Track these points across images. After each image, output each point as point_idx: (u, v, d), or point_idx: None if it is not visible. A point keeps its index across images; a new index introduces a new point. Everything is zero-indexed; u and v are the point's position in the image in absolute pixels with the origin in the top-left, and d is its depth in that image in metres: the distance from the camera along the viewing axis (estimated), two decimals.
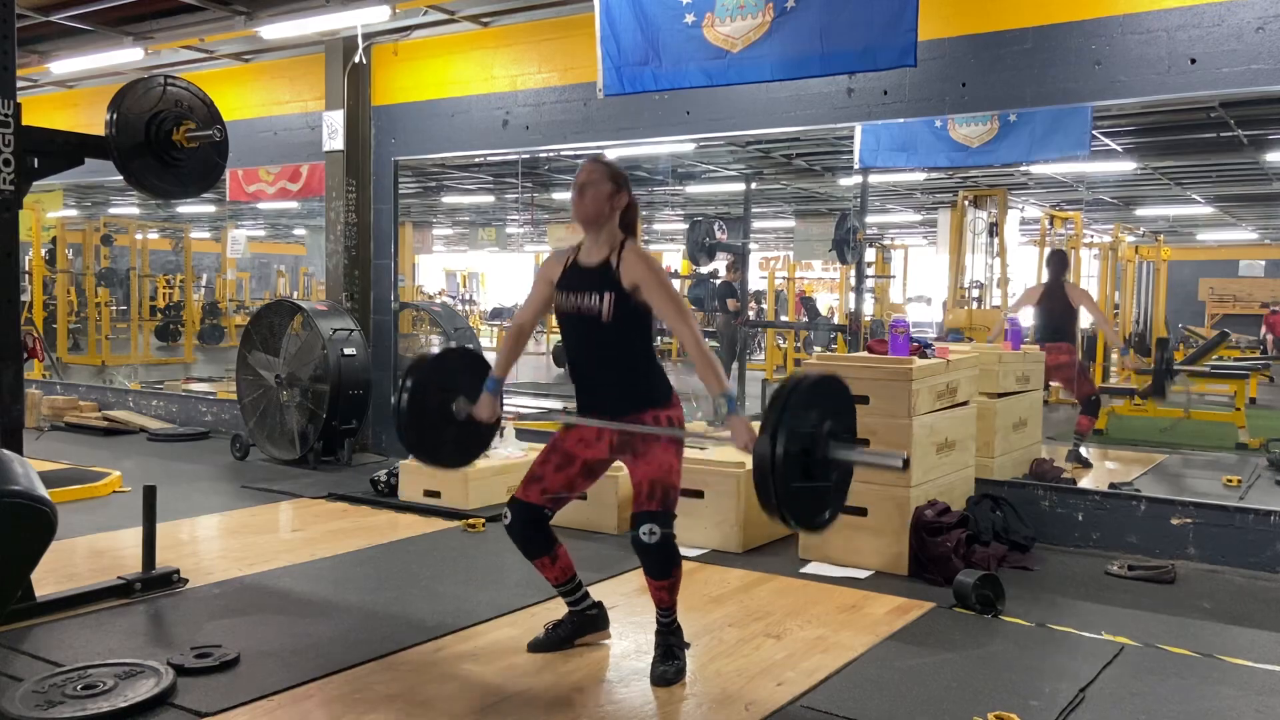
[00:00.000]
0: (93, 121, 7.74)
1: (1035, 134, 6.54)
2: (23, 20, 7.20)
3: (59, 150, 4.25)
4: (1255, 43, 4.74)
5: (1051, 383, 7.72)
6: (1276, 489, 6.28)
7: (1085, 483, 6.20)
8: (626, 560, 4.71)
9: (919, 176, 10.49)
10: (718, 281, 11.08)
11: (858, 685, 3.36)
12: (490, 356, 3.72)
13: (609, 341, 3.32)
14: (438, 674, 3.40)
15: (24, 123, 3.96)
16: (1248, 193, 12.77)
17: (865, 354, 5.13)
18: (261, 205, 11.47)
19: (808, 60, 5.24)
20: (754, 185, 11.51)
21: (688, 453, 5.43)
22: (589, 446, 3.42)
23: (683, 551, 4.19)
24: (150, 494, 4.22)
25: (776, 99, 5.96)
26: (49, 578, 4.15)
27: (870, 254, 10.72)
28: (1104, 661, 3.59)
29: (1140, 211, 13.94)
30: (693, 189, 12.18)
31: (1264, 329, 16.76)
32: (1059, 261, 7.51)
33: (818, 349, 12.21)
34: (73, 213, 15.35)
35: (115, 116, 4.27)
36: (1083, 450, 7.20)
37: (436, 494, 5.84)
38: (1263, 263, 17.90)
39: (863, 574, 4.67)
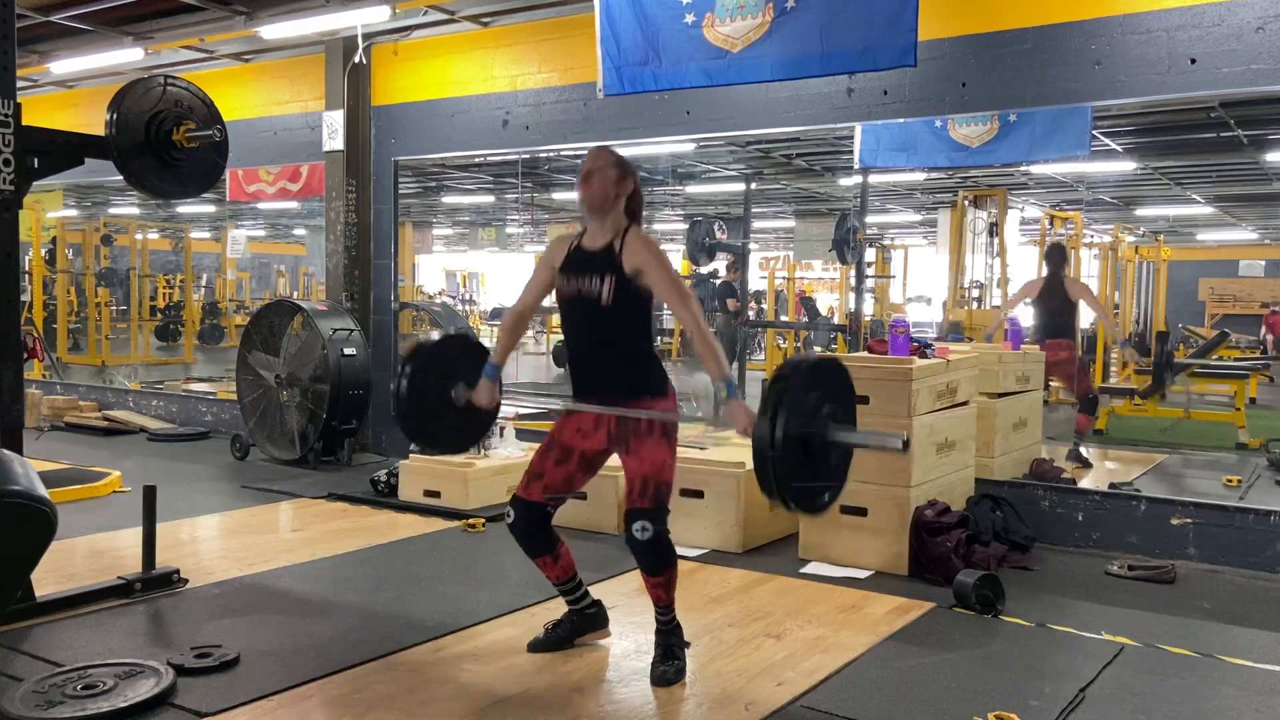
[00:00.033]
0: (93, 121, 7.73)
1: (1035, 134, 6.54)
2: (23, 20, 7.20)
3: (59, 150, 4.25)
4: (1255, 43, 4.74)
5: (1051, 382, 7.72)
6: (1276, 489, 6.28)
7: (1085, 483, 6.20)
8: (626, 560, 4.71)
9: (919, 176, 10.49)
10: (718, 281, 11.08)
11: (858, 685, 3.36)
12: None
13: (608, 326, 3.33)
14: (438, 674, 3.40)
15: (24, 123, 3.96)
16: (1248, 193, 12.76)
17: (865, 354, 5.13)
18: (261, 205, 11.46)
19: (808, 60, 5.24)
20: (754, 185, 11.52)
21: (688, 453, 5.46)
22: (586, 437, 3.42)
23: (683, 551, 4.19)
24: (150, 494, 4.22)
25: (776, 99, 5.96)
26: (49, 578, 4.15)
27: (870, 254, 10.71)
28: (1104, 661, 3.59)
29: (1140, 211, 13.93)
30: (693, 189, 12.18)
31: (1264, 329, 16.75)
32: (1058, 256, 7.47)
33: (818, 349, 12.21)
34: (73, 213, 15.34)
35: (115, 116, 4.27)
36: (1082, 450, 7.20)
37: (436, 494, 5.84)
38: (1263, 263, 17.89)
39: (863, 574, 4.67)
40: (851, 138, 7.31)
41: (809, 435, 2.88)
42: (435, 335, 4.85)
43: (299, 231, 18.89)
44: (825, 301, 17.06)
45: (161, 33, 7.67)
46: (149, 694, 3.05)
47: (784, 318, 14.25)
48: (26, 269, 12.14)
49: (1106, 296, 11.09)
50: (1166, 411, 8.69)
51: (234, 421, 8.09)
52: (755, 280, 14.05)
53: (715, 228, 9.77)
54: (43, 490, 2.83)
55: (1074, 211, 10.98)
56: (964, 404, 5.27)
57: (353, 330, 7.24)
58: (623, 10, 5.70)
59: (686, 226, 10.42)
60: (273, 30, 7.09)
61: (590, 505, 5.31)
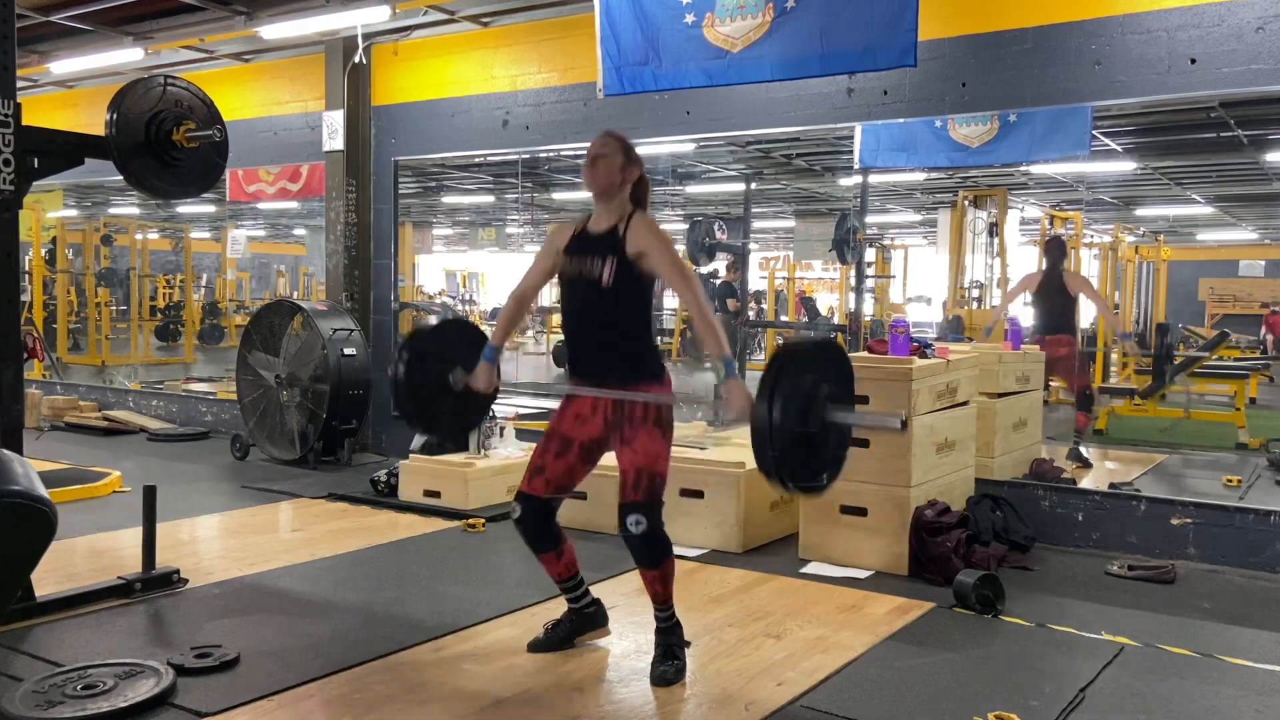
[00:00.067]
0: (93, 121, 7.73)
1: (1035, 134, 6.54)
2: (23, 20, 7.20)
3: (59, 150, 4.25)
4: (1255, 43, 4.74)
5: (1052, 382, 7.71)
6: (1276, 489, 6.28)
7: (1085, 483, 6.20)
8: (626, 560, 4.69)
9: (919, 176, 10.48)
10: (718, 281, 11.07)
11: (858, 685, 3.35)
12: None
13: (607, 309, 3.34)
14: (438, 674, 3.40)
15: (24, 123, 3.96)
16: (1248, 193, 12.76)
17: (865, 354, 5.13)
18: (261, 205, 11.46)
19: (808, 60, 5.24)
20: (754, 185, 11.51)
21: (688, 453, 5.46)
22: (584, 424, 3.42)
23: (683, 551, 4.19)
24: (150, 494, 4.22)
25: (776, 99, 5.96)
26: (49, 578, 4.15)
27: (870, 254, 10.71)
28: (1104, 661, 3.59)
29: (1140, 211, 13.92)
30: (693, 189, 12.18)
31: (1264, 329, 16.75)
32: (1057, 249, 7.43)
33: None
34: (73, 213, 15.34)
35: (115, 116, 4.27)
36: (1082, 449, 7.19)
37: (436, 494, 5.84)
38: (1263, 263, 17.88)
39: (863, 574, 4.67)
40: (851, 138, 7.31)
41: (807, 416, 2.88)
42: (433, 320, 4.87)
43: (299, 231, 18.88)
44: (825, 301, 17.06)
45: (161, 33, 7.67)
46: (149, 694, 3.05)
47: (784, 318, 14.26)
48: (26, 269, 12.14)
49: (1107, 296, 11.08)
50: (1166, 411, 8.68)
51: (234, 421, 8.09)
52: (755, 280, 14.05)
53: (715, 228, 9.76)
54: (43, 490, 2.83)
55: (1074, 211, 10.98)
56: (964, 404, 5.27)
57: (353, 330, 7.24)
58: (623, 10, 5.70)
59: (686, 227, 10.42)
60: (273, 30, 7.09)
61: (590, 505, 5.31)
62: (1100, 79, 5.08)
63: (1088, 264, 11.18)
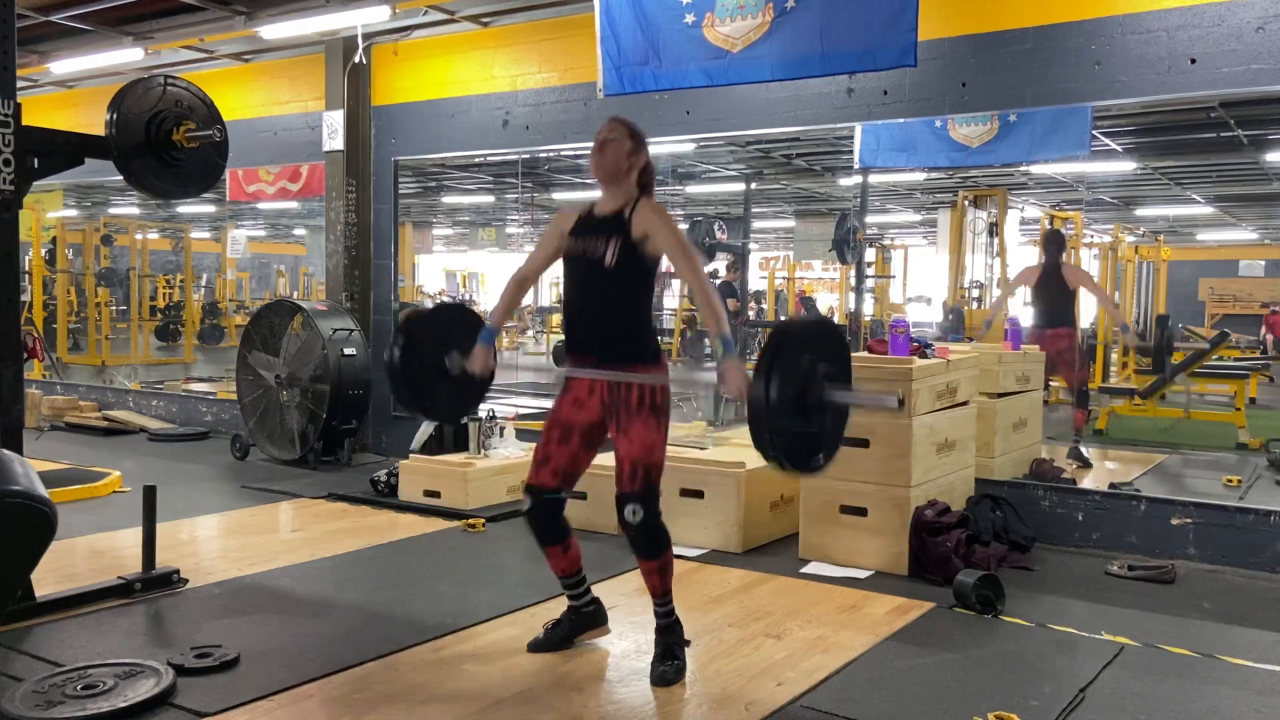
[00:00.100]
0: (93, 121, 7.74)
1: (1035, 134, 6.54)
2: (23, 20, 7.20)
3: (59, 150, 4.25)
4: (1255, 43, 4.74)
5: (1052, 381, 7.70)
6: (1276, 489, 6.28)
7: (1085, 483, 6.20)
8: (626, 560, 4.71)
9: (919, 176, 10.49)
10: (718, 281, 11.08)
11: (858, 685, 3.35)
12: None
13: (608, 290, 3.34)
14: (438, 674, 3.40)
15: (24, 123, 3.96)
16: (1248, 193, 12.76)
17: (865, 354, 5.13)
18: (261, 205, 11.46)
19: (808, 60, 5.25)
20: (754, 185, 11.52)
21: (688, 453, 5.46)
22: (581, 407, 3.43)
23: (683, 551, 4.18)
24: (150, 494, 4.22)
25: (776, 99, 5.96)
26: (49, 578, 4.15)
27: (870, 254, 10.71)
28: (1104, 661, 3.59)
29: (1140, 211, 13.93)
30: (693, 189, 12.18)
31: (1264, 329, 16.75)
32: (1056, 242, 7.41)
33: None
34: (73, 213, 15.34)
35: (115, 116, 4.27)
36: (1082, 448, 7.18)
37: (436, 494, 5.84)
38: (1263, 263, 17.88)
39: (863, 574, 4.67)
40: (851, 138, 7.31)
41: (804, 395, 2.88)
42: (429, 304, 4.88)
43: (299, 231, 18.88)
44: (825, 301, 17.05)
45: (161, 33, 7.68)
46: (149, 694, 3.05)
47: (784, 318, 14.25)
48: (26, 269, 12.14)
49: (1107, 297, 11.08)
50: (1166, 411, 8.69)
51: (234, 421, 8.09)
52: (755, 280, 14.05)
53: (715, 228, 9.77)
54: (43, 490, 2.84)
55: (1074, 211, 10.99)
56: (964, 404, 5.27)
57: (353, 330, 7.24)
58: (623, 10, 5.70)
59: (686, 227, 10.42)
60: (273, 30, 7.10)
61: (590, 505, 5.31)
62: (1100, 79, 5.08)
63: (1088, 264, 11.18)
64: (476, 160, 9.48)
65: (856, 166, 7.72)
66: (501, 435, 6.21)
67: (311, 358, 7.06)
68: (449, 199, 14.71)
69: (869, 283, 10.79)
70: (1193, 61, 4.87)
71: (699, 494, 5.13)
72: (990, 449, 5.69)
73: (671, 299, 13.12)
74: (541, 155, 8.51)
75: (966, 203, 10.10)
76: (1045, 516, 5.29)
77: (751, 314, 12.06)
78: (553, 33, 6.84)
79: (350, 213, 7.70)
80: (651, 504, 3.31)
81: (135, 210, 15.68)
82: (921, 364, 4.83)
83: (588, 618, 3.66)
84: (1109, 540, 5.14)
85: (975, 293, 10.27)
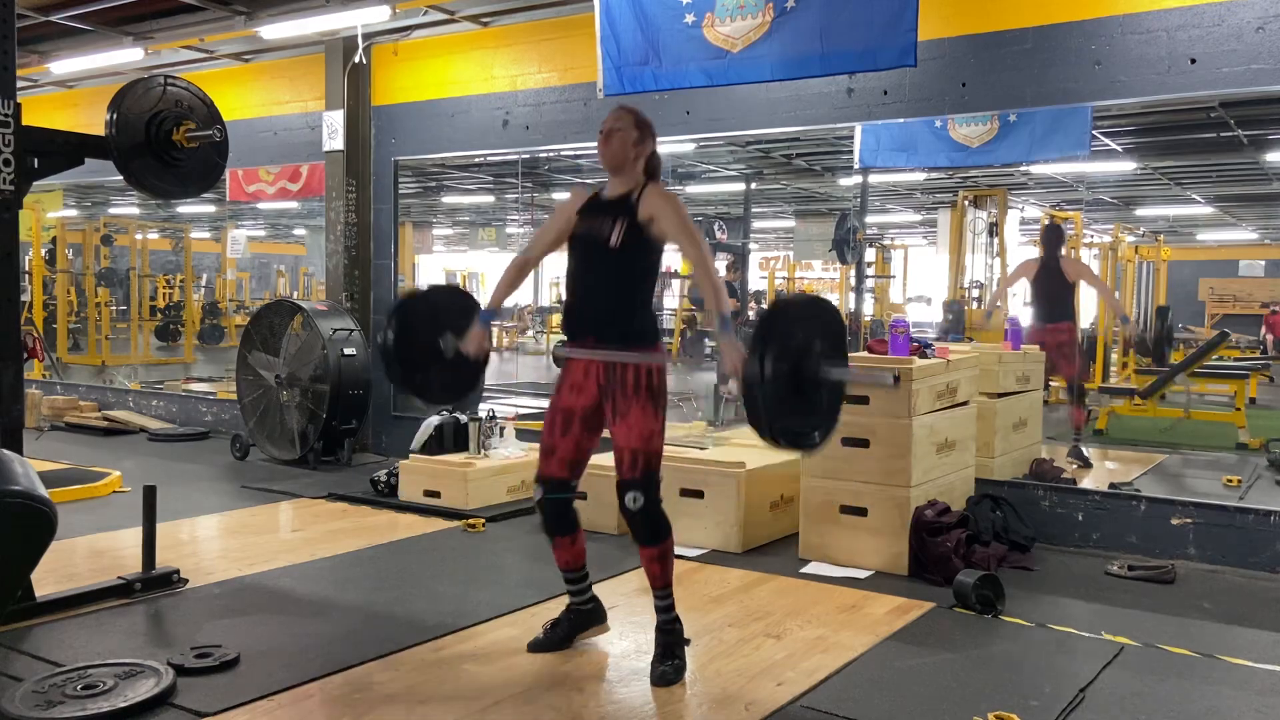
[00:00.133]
0: (93, 121, 7.74)
1: (1035, 134, 6.54)
2: (23, 20, 7.20)
3: (59, 150, 4.25)
4: (1255, 43, 4.74)
5: (1052, 381, 7.70)
6: (1276, 489, 6.28)
7: (1085, 483, 6.20)
8: (626, 560, 4.71)
9: (919, 176, 10.49)
10: None
11: (858, 685, 3.35)
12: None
13: (611, 270, 3.36)
14: (438, 674, 3.40)
15: (24, 123, 3.96)
16: (1248, 193, 12.77)
17: (865, 354, 5.13)
18: (261, 205, 11.46)
19: (808, 60, 5.25)
20: (754, 185, 11.52)
21: (688, 453, 5.46)
22: (579, 392, 3.44)
23: (683, 551, 4.18)
24: (150, 494, 4.22)
25: (776, 99, 5.96)
26: (49, 578, 4.15)
27: (870, 254, 10.71)
28: (1104, 661, 3.59)
29: (1140, 211, 13.93)
30: (693, 189, 12.18)
31: (1264, 329, 16.75)
32: (1054, 237, 7.39)
33: None
34: (73, 213, 15.34)
35: (115, 116, 4.27)
36: (1082, 447, 7.18)
37: (436, 494, 5.84)
38: (1263, 263, 17.88)
39: (863, 574, 4.67)
40: (851, 138, 7.31)
41: (799, 372, 2.88)
42: (423, 287, 4.89)
43: (299, 231, 18.89)
44: None
45: (161, 33, 7.68)
46: (149, 694, 3.05)
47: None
48: (26, 269, 12.14)
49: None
50: (1166, 411, 8.69)
51: (234, 421, 8.09)
52: (755, 280, 14.06)
53: (715, 228, 9.78)
54: (43, 490, 2.84)
55: (1074, 211, 10.99)
56: (964, 404, 5.27)
57: (353, 330, 7.24)
58: (623, 10, 5.70)
59: None
60: (273, 30, 7.10)
61: (590, 505, 5.30)
62: (1100, 79, 5.08)
63: (1087, 264, 11.17)
64: (476, 160, 9.49)
65: (856, 166, 7.72)
66: (501, 435, 6.21)
67: (311, 358, 7.06)
68: (449, 199, 14.72)
69: (869, 283, 10.79)
70: (1193, 61, 4.87)
71: (699, 494, 5.13)
72: (990, 449, 5.69)
73: (671, 299, 13.13)
74: (541, 155, 8.51)
75: (966, 203, 10.10)
76: (1045, 516, 5.29)
77: (751, 314, 12.05)
78: (553, 33, 6.84)
79: (350, 213, 7.70)
80: (652, 490, 3.33)
81: (135, 210, 15.68)
82: (921, 364, 4.83)
83: (587, 615, 3.66)
84: (1109, 540, 5.14)
85: (975, 293, 10.28)
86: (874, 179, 9.29)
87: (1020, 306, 7.63)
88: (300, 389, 7.10)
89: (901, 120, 5.91)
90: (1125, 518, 5.13)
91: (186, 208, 14.88)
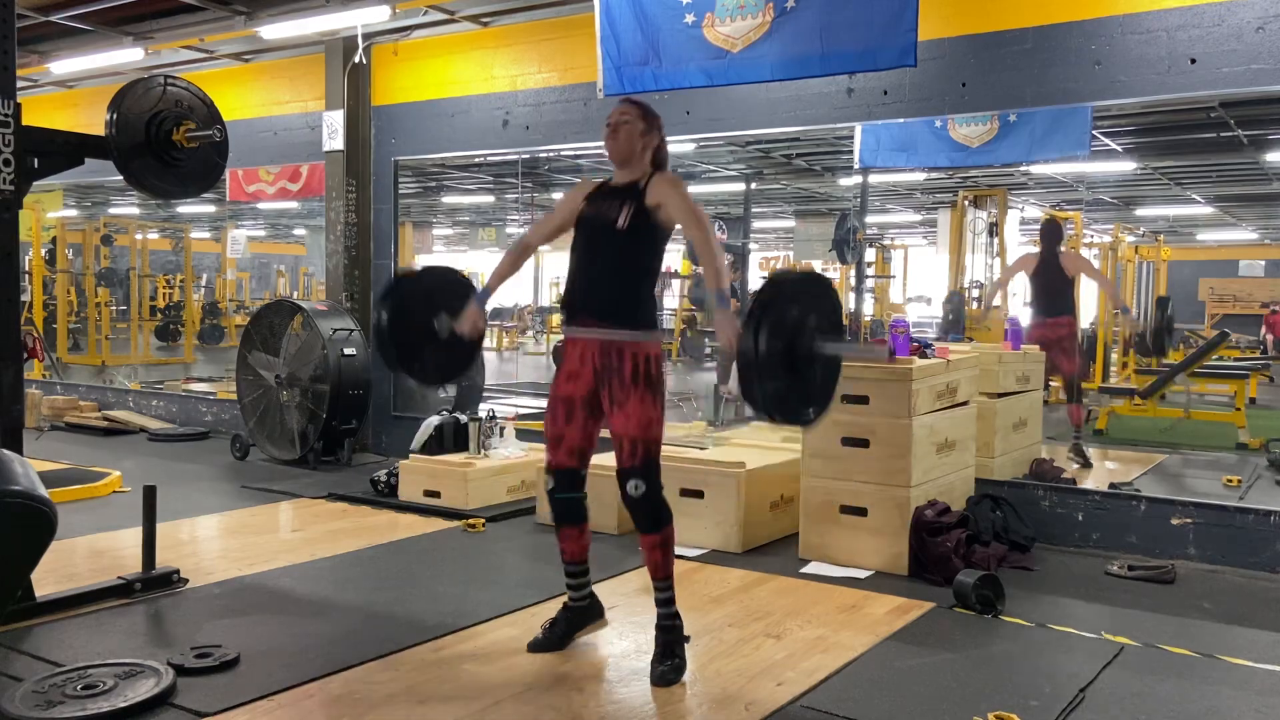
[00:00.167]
0: (93, 121, 7.74)
1: (1035, 134, 6.54)
2: (23, 20, 7.21)
3: (59, 150, 4.25)
4: (1255, 43, 4.74)
5: (1052, 381, 7.70)
6: (1276, 489, 6.28)
7: (1085, 483, 6.20)
8: (626, 560, 4.71)
9: (919, 176, 10.49)
10: None
11: (858, 685, 3.35)
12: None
13: (615, 252, 3.38)
14: (438, 674, 3.40)
15: (24, 123, 3.96)
16: (1248, 193, 12.76)
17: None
18: (261, 205, 11.47)
19: (808, 60, 5.25)
20: (754, 185, 11.52)
21: (688, 453, 5.46)
22: (576, 378, 3.44)
23: (683, 551, 4.18)
24: (150, 494, 4.22)
25: (776, 99, 5.96)
26: (49, 578, 4.15)
27: (870, 254, 10.71)
28: (1104, 661, 3.59)
29: (1140, 211, 13.93)
30: (693, 189, 12.12)
31: (1264, 329, 16.75)
32: (1053, 232, 7.39)
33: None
34: (73, 213, 15.34)
35: (115, 116, 4.27)
36: (1083, 446, 7.17)
37: (436, 494, 5.84)
38: (1263, 263, 17.89)
39: (863, 574, 4.67)
40: (851, 138, 7.31)
41: (794, 347, 2.89)
42: (417, 268, 4.89)
43: (299, 231, 18.89)
44: None
45: (161, 33, 7.68)
46: (149, 694, 3.05)
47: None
48: (26, 269, 12.14)
49: (1107, 298, 11.07)
50: (1166, 411, 8.69)
51: (234, 421, 8.09)
52: (755, 280, 14.04)
53: (716, 228, 9.77)
54: (43, 490, 2.84)
55: (1074, 211, 10.99)
56: (964, 404, 5.27)
57: (353, 330, 7.25)
58: (623, 10, 5.70)
59: None
60: (273, 30, 7.10)
61: (590, 505, 5.30)
62: (1100, 79, 5.08)
63: (1086, 258, 11.18)
64: (476, 160, 9.48)
65: (856, 166, 7.72)
66: (501, 435, 6.21)
67: (311, 358, 7.06)
68: (449, 199, 14.72)
69: (869, 283, 10.79)
70: (1193, 61, 4.87)
71: (699, 494, 5.13)
72: (990, 449, 5.69)
73: (671, 299, 13.13)
74: (541, 155, 8.50)
75: (966, 203, 10.10)
76: (1045, 516, 5.29)
77: None
78: (553, 33, 6.84)
79: (350, 213, 7.70)
80: (653, 478, 3.34)
81: (135, 210, 15.69)
82: (921, 364, 4.83)
83: (583, 612, 3.66)
84: (1109, 540, 5.14)
85: (975, 293, 10.28)
86: (874, 179, 9.29)
87: (1020, 306, 7.62)
88: (300, 389, 7.10)
89: (901, 120, 5.91)
90: (1125, 518, 5.13)
91: (186, 208, 14.88)
